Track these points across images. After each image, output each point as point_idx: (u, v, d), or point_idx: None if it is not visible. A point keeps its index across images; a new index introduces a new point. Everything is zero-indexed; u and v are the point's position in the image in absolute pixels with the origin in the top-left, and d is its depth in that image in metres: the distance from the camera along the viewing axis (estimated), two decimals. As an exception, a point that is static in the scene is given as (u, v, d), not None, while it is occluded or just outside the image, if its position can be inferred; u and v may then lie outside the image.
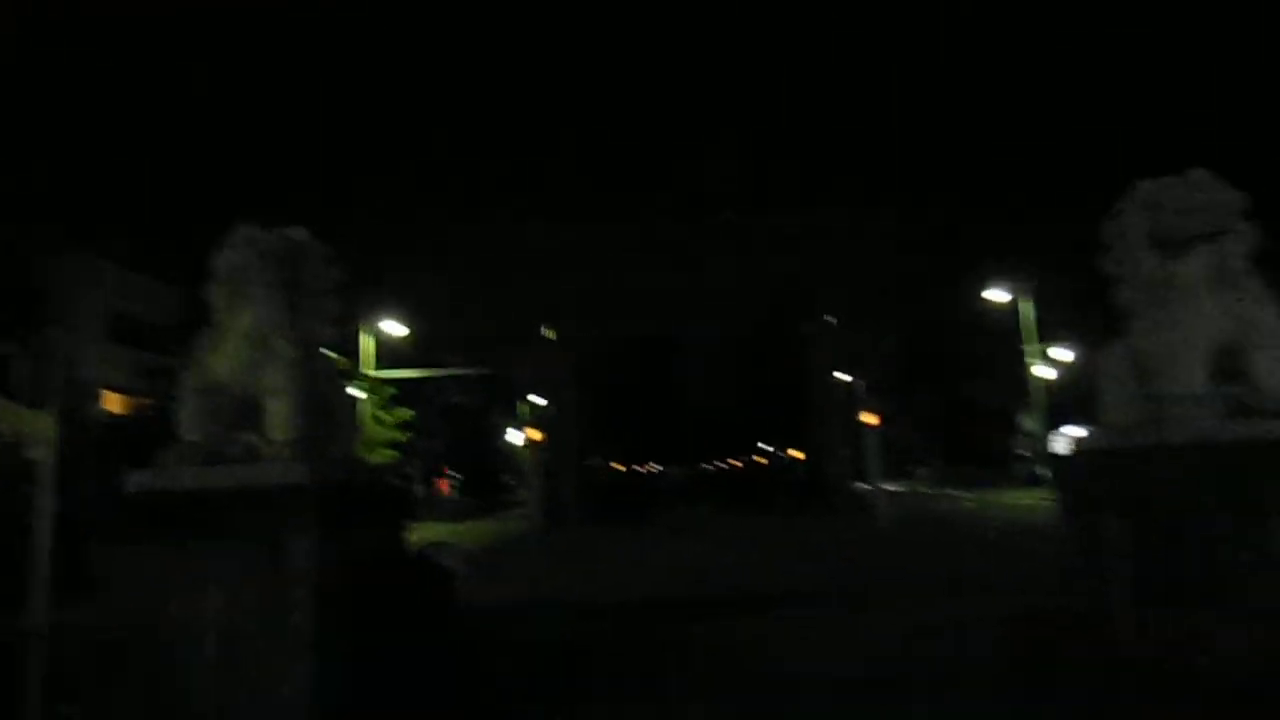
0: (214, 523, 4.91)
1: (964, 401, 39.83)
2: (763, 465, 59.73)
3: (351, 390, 24.75)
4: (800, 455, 30.90)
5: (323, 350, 6.49)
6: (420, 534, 21.49)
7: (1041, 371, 26.63)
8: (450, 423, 39.99)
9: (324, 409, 5.97)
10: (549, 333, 22.37)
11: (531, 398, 30.16)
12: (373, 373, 24.16)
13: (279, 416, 5.55)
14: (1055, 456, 6.28)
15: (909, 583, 8.39)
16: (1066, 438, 14.66)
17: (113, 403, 27.45)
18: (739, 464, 73.33)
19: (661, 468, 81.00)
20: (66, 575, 6.59)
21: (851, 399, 26.30)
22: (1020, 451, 34.50)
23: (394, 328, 24.06)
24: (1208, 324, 5.68)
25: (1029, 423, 30.59)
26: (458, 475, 41.83)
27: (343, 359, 25.29)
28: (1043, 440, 25.53)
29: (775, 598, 7.54)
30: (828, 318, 22.60)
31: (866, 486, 15.99)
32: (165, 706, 4.77)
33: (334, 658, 4.97)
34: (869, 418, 16.49)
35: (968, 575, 8.58)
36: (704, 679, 5.47)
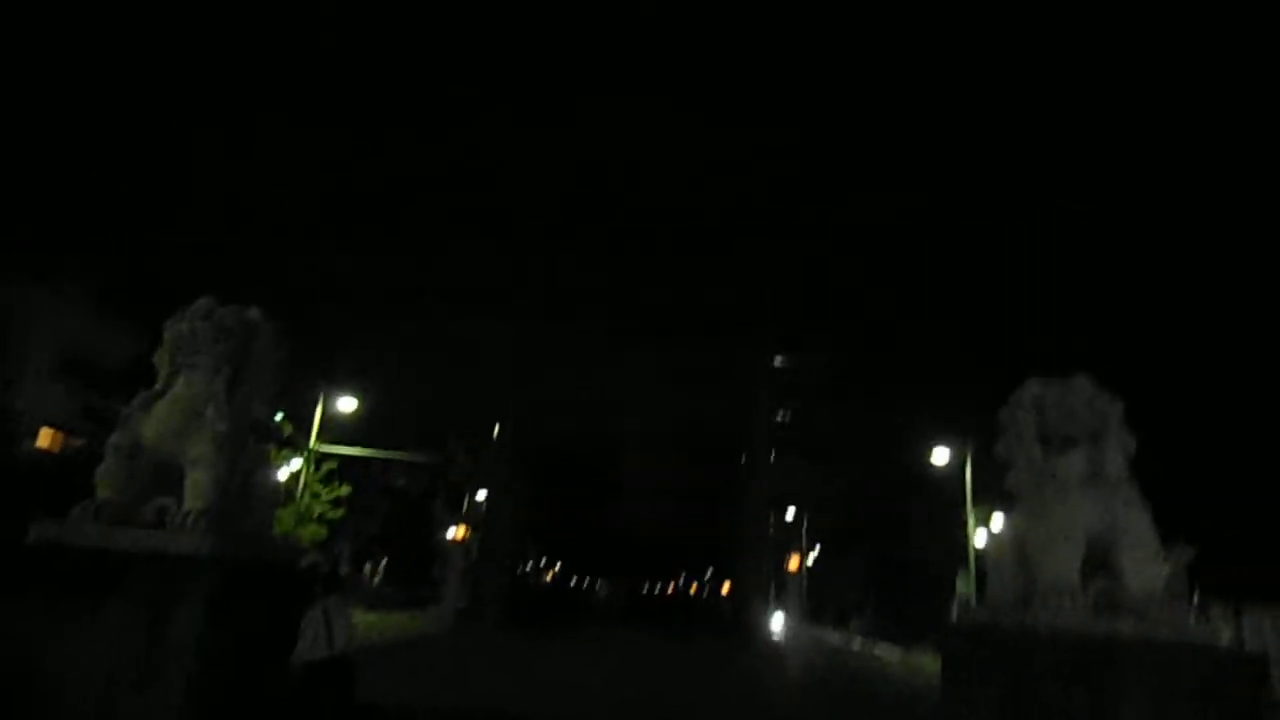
0: (107, 583, 4.98)
1: (901, 557, 40.03)
2: (693, 595, 58.85)
3: (295, 460, 24.47)
4: (727, 589, 30.73)
5: (256, 424, 6.64)
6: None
7: (979, 536, 27.07)
8: (391, 506, 39.20)
9: (243, 484, 6.10)
10: (496, 433, 22.50)
11: (480, 495, 29.85)
12: (316, 445, 23.90)
13: (197, 486, 5.67)
14: (943, 624, 6.42)
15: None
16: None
17: (48, 439, 26.79)
18: (671, 590, 72.18)
19: (596, 583, 79.44)
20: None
21: (786, 540, 26.47)
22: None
23: (345, 403, 24.03)
24: (1082, 518, 6.08)
25: (962, 585, 30.78)
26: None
27: (288, 424, 25.14)
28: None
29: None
30: (770, 455, 22.95)
31: (785, 630, 15.88)
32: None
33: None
34: (793, 563, 16.61)
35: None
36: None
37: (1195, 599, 23.15)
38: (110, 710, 4.81)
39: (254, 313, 6.45)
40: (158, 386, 5.97)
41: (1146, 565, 6.07)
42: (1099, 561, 6.19)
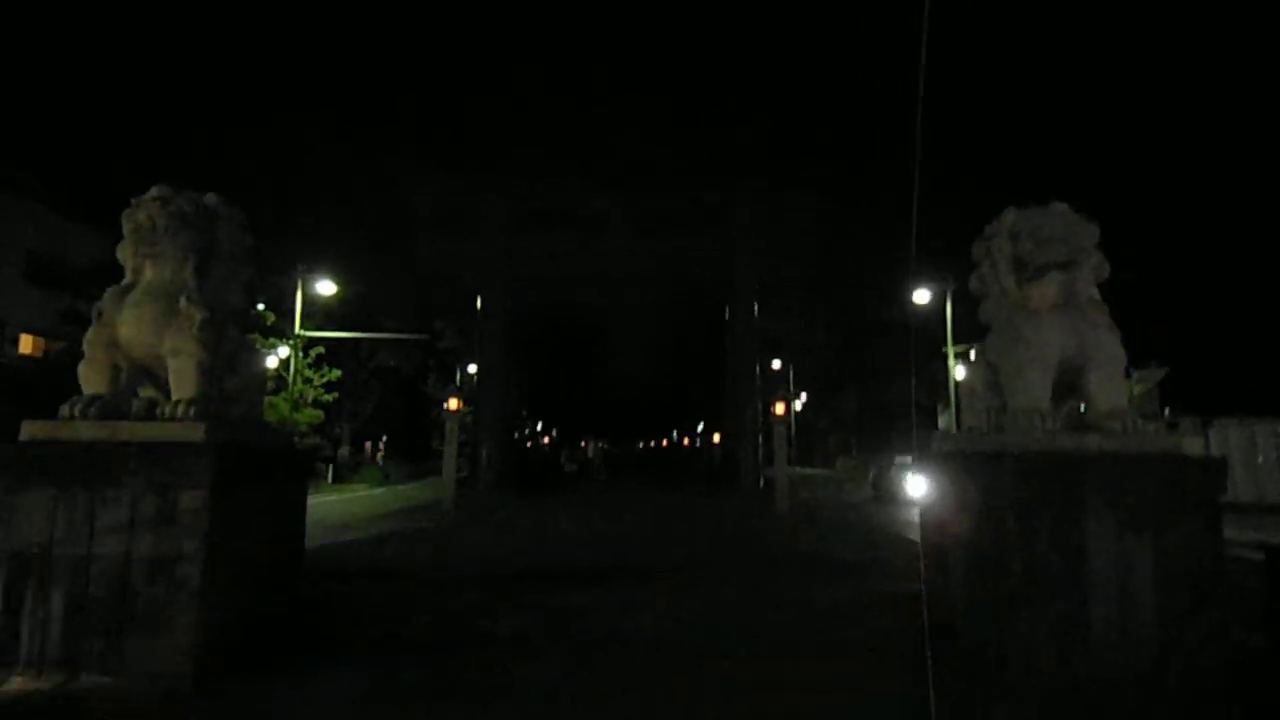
0: (107, 475, 5.07)
1: (887, 397, 41.26)
2: (685, 447, 60.85)
3: (283, 349, 24.53)
4: (717, 439, 31.82)
5: (233, 312, 6.57)
6: (339, 494, 21.40)
7: (959, 372, 27.81)
8: (384, 385, 39.68)
9: (229, 371, 6.12)
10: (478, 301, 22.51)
11: (471, 369, 30.17)
12: (301, 332, 23.90)
13: (182, 375, 5.68)
14: (922, 455, 6.75)
15: (781, 562, 8.88)
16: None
17: (29, 345, 26.63)
18: (665, 444, 74.59)
19: (592, 444, 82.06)
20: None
21: (771, 386, 27.18)
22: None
23: (326, 287, 23.84)
24: (1054, 343, 6.22)
25: (943, 420, 31.91)
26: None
27: (270, 314, 25.04)
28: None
29: (646, 569, 7.90)
30: (754, 305, 23.14)
31: (774, 472, 16.56)
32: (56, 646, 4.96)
33: (220, 606, 5.23)
34: (778, 407, 17.09)
35: (838, 561, 9.11)
36: (541, 641, 5.86)
37: (1166, 414, 24.18)
38: (129, 595, 5.02)
39: (212, 198, 6.25)
40: (127, 280, 5.88)
41: (1114, 384, 6.27)
42: (1070, 384, 6.39)
